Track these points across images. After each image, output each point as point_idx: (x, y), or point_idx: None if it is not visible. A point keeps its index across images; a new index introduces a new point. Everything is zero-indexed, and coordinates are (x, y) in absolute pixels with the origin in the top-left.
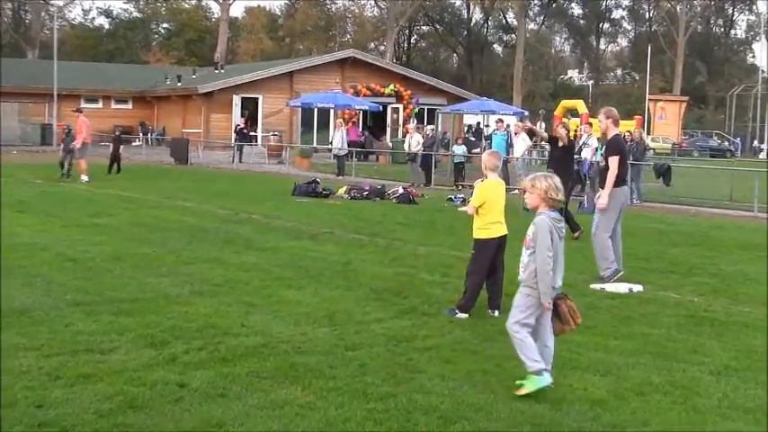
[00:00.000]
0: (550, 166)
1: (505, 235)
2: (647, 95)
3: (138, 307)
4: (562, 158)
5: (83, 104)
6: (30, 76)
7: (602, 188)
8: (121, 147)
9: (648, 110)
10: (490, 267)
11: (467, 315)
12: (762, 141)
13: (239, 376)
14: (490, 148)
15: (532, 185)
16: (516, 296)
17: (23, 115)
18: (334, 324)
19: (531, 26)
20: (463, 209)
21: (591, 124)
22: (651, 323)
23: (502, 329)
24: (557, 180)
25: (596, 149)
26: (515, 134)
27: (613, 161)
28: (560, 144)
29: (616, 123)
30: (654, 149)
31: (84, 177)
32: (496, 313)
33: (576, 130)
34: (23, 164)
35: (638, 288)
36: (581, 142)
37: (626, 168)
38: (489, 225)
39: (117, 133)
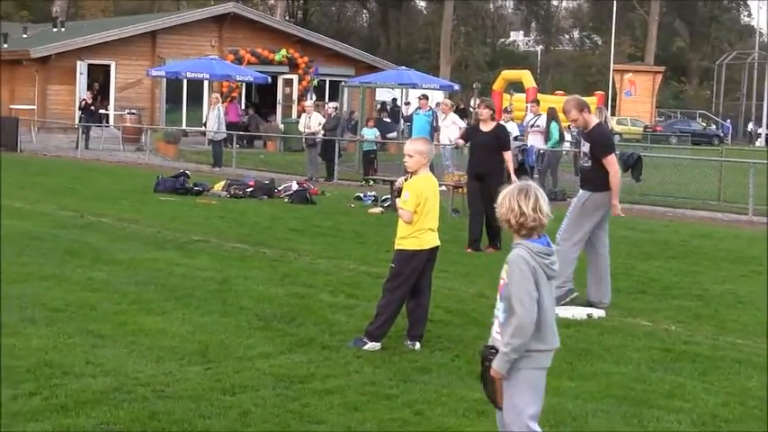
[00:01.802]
0: (474, 156)
1: (437, 246)
2: (612, 65)
3: None
4: (489, 146)
5: None
6: None
7: (586, 189)
8: None
9: (613, 83)
10: (413, 287)
11: (379, 345)
12: (759, 124)
13: (83, 429)
14: (410, 132)
15: (499, 203)
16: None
17: None
18: (207, 360)
19: None
20: (374, 210)
21: (538, 102)
22: (616, 359)
23: (424, 366)
24: (534, 193)
25: (548, 133)
26: (443, 115)
27: (611, 161)
28: (484, 128)
29: (590, 110)
30: (620, 134)
31: None
32: (417, 346)
33: (508, 107)
34: None
35: (599, 313)
36: (526, 124)
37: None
38: (420, 233)
39: None
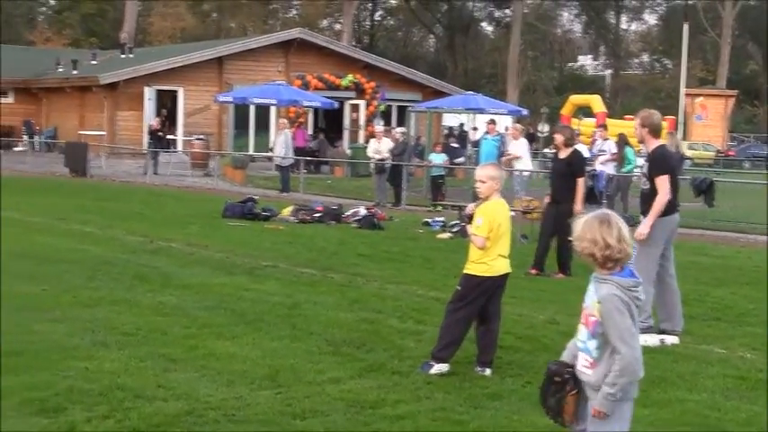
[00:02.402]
0: (554, 184)
1: (508, 273)
2: (683, 89)
3: (24, 362)
4: (563, 173)
5: None
6: None
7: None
8: None
9: (685, 108)
10: (482, 313)
11: (446, 366)
12: None
13: None
14: (478, 157)
15: (578, 237)
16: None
17: None
18: (278, 385)
19: None
20: (443, 236)
21: (606, 127)
22: (690, 386)
23: (495, 393)
24: (615, 222)
25: (623, 161)
26: (512, 139)
27: (663, 182)
28: (561, 155)
29: (656, 133)
30: (692, 159)
31: None
32: (487, 372)
33: (576, 130)
34: None
35: (672, 340)
36: (596, 150)
37: (677, 190)
38: (490, 259)
39: None
